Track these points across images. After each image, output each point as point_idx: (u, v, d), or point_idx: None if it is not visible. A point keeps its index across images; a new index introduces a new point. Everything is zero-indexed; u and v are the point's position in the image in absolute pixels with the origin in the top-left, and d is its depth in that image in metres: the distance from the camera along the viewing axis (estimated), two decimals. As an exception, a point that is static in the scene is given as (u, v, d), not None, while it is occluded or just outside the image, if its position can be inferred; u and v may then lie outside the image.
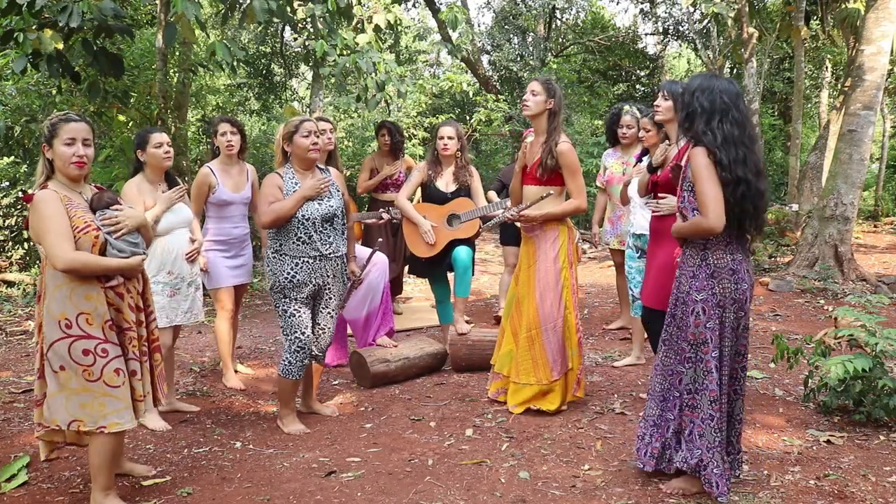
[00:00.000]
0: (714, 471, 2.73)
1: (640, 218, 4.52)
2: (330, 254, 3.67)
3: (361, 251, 4.74)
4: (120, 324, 2.76)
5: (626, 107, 5.36)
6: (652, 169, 3.75)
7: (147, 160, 3.78)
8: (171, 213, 3.80)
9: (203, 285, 4.14)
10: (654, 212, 3.68)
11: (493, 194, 5.80)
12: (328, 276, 3.70)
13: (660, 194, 3.66)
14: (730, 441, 2.87)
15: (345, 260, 3.83)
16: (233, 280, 4.45)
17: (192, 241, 3.92)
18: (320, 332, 3.79)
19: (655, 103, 3.73)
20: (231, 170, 4.42)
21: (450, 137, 4.82)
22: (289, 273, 3.58)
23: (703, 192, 2.66)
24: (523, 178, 3.96)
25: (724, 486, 2.74)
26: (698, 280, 2.74)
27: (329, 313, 3.79)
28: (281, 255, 3.60)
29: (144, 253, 2.89)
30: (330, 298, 3.77)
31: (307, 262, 3.61)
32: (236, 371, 4.79)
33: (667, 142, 3.76)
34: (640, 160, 4.68)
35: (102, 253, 2.71)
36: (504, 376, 4.00)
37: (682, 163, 2.87)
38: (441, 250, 4.79)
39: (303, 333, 3.65)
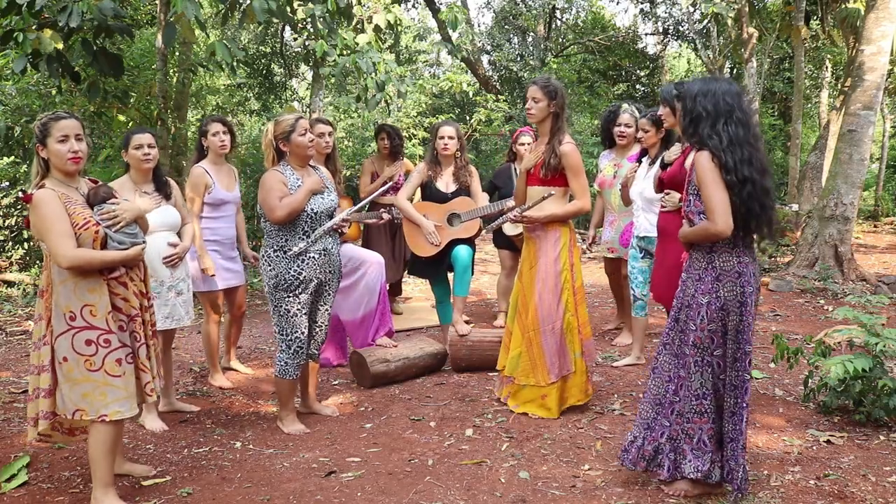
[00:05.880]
0: (736, 467, 2.74)
1: (643, 220, 4.52)
2: (332, 249, 3.68)
3: (356, 251, 4.74)
4: (128, 312, 2.85)
5: (625, 105, 5.31)
6: (664, 165, 3.76)
7: (129, 161, 3.74)
8: (152, 213, 3.68)
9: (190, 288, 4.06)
10: (661, 207, 3.70)
11: (483, 196, 5.76)
12: (329, 272, 3.71)
13: (666, 190, 3.68)
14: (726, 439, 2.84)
15: (340, 256, 3.84)
16: (223, 283, 4.40)
17: (173, 245, 3.82)
18: (317, 329, 3.80)
19: (659, 112, 3.74)
20: (222, 169, 4.43)
21: (450, 137, 4.81)
22: (296, 270, 3.57)
23: (710, 198, 2.65)
24: (527, 179, 3.94)
25: (744, 481, 2.76)
26: (704, 283, 2.73)
27: (327, 310, 3.79)
28: (286, 252, 3.58)
29: (144, 242, 2.95)
30: (328, 295, 3.77)
31: (313, 258, 3.60)
32: (235, 370, 4.80)
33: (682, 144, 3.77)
34: (638, 161, 4.68)
35: (103, 246, 2.77)
36: (511, 379, 3.96)
37: (687, 166, 2.86)
38: (441, 249, 4.79)
39: (302, 333, 3.64)
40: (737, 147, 2.66)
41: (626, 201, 4.78)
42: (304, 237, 3.59)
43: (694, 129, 2.74)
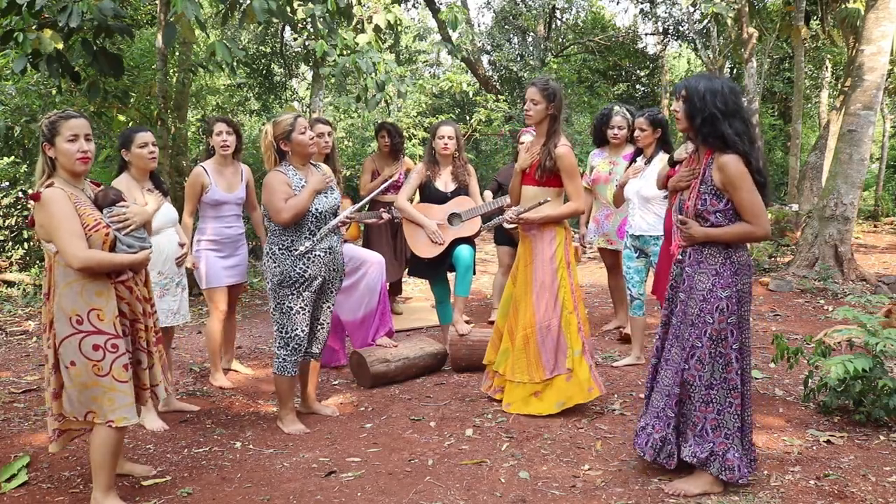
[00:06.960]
0: (735, 455, 2.78)
1: (638, 219, 4.52)
2: (336, 247, 3.70)
3: (357, 250, 4.74)
4: (132, 317, 2.84)
5: (617, 107, 5.38)
6: (673, 164, 3.77)
7: (132, 160, 3.69)
8: (158, 212, 3.75)
9: (190, 286, 4.12)
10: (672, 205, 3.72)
11: (488, 194, 5.80)
12: (332, 270, 3.72)
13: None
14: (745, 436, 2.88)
15: (343, 254, 3.86)
16: (227, 280, 4.43)
17: (181, 245, 3.90)
18: (319, 327, 3.80)
19: (673, 108, 3.73)
20: (225, 170, 4.42)
21: (450, 137, 4.82)
22: (301, 268, 3.57)
23: (751, 202, 2.69)
24: (522, 179, 3.96)
25: (745, 469, 2.80)
26: (723, 278, 2.77)
27: (329, 308, 3.80)
28: (291, 251, 3.58)
29: (150, 246, 2.95)
30: (331, 293, 3.78)
31: (319, 256, 3.61)
32: (235, 370, 4.80)
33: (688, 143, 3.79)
34: (632, 160, 4.70)
35: (112, 249, 2.75)
36: (500, 374, 4.00)
37: (702, 166, 2.84)
38: (443, 250, 4.79)
39: (302, 331, 3.65)
40: (754, 148, 2.73)
41: (619, 202, 4.78)
42: (310, 236, 3.59)
43: (711, 130, 2.74)
